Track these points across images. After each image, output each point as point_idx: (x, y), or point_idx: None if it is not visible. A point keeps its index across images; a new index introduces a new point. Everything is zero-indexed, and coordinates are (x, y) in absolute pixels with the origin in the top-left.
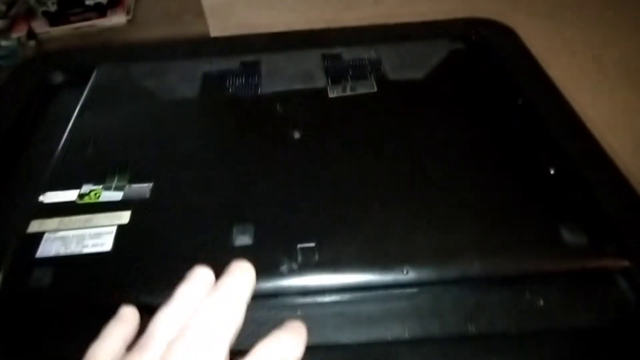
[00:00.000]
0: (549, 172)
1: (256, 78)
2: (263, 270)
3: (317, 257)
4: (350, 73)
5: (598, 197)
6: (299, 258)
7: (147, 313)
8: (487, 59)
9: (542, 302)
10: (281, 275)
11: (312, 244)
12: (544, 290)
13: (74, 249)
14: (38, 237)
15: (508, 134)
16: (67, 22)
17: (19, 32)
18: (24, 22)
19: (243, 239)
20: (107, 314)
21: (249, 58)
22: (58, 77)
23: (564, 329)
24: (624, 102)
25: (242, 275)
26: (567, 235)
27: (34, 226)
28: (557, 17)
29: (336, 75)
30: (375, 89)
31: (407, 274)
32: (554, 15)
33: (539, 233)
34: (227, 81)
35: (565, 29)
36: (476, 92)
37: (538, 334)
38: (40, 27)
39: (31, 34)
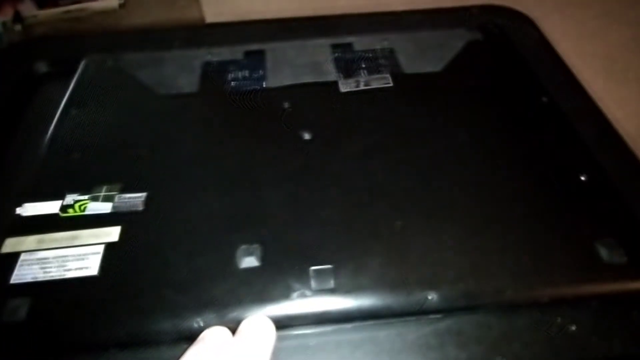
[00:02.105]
0: (580, 178)
1: (260, 70)
2: (272, 297)
3: (333, 281)
4: (363, 65)
5: (635, 207)
6: (312, 282)
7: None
8: (507, 51)
9: (574, 328)
10: (293, 302)
11: (327, 266)
12: (577, 314)
13: (54, 273)
14: (13, 258)
15: (535, 136)
16: (56, 4)
17: (5, 16)
18: (10, 5)
19: (249, 261)
20: (93, 350)
21: (252, 47)
22: (40, 68)
23: (598, 357)
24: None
25: (261, 333)
26: (603, 252)
27: (9, 245)
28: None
29: (348, 67)
30: (391, 83)
31: (432, 300)
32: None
33: (572, 250)
34: (229, 74)
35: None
36: (497, 89)
37: None
38: (28, 10)
39: (18, 18)
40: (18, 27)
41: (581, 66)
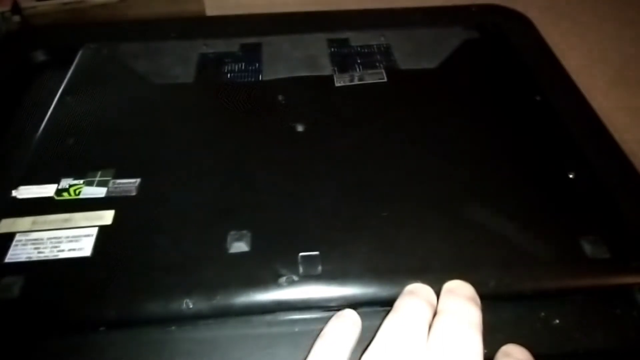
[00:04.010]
0: (568, 176)
1: (256, 63)
2: (260, 282)
3: (320, 267)
4: (358, 60)
5: (620, 206)
6: (301, 268)
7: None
8: (503, 50)
9: (557, 321)
10: (280, 287)
11: (315, 253)
12: (560, 308)
13: (48, 253)
14: (8, 238)
15: (525, 133)
16: None
17: (4, 7)
18: None
19: (239, 246)
20: (85, 329)
21: (249, 40)
22: (39, 57)
23: (580, 351)
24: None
25: (469, 302)
26: (587, 248)
27: (4, 226)
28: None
29: (343, 62)
30: (385, 79)
31: None
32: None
33: (557, 244)
34: (225, 65)
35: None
36: (491, 87)
37: (554, 356)
38: (27, 1)
39: (16, 9)
40: (17, 18)
41: (594, 74)
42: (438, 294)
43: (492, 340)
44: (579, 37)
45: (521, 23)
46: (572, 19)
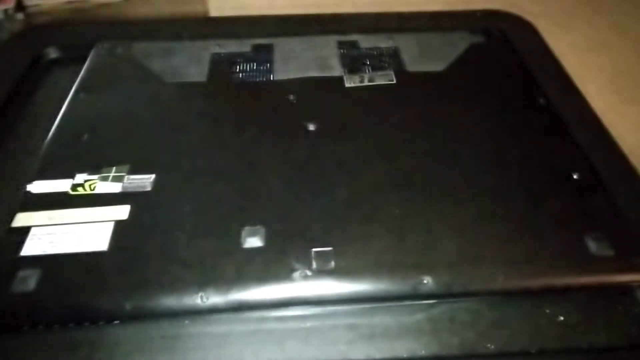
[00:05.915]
0: (572, 177)
1: (268, 63)
2: (274, 276)
3: (333, 262)
4: (368, 62)
5: (623, 205)
6: (314, 263)
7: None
8: (508, 54)
9: (562, 318)
10: (294, 281)
11: (328, 248)
12: (565, 306)
13: (64, 247)
14: (23, 232)
15: (531, 134)
16: None
17: (7, 4)
18: None
19: (253, 241)
20: (99, 322)
21: (261, 41)
22: (52, 54)
23: (584, 347)
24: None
25: None
26: (591, 245)
27: (20, 220)
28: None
29: (353, 64)
30: (395, 80)
31: (427, 284)
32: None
33: (562, 242)
34: (237, 65)
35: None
36: (497, 90)
37: (558, 352)
38: None
39: (20, 6)
40: (20, 15)
41: (588, 79)
42: (450, 287)
43: (498, 336)
44: (574, 46)
45: (525, 28)
46: (570, 28)
